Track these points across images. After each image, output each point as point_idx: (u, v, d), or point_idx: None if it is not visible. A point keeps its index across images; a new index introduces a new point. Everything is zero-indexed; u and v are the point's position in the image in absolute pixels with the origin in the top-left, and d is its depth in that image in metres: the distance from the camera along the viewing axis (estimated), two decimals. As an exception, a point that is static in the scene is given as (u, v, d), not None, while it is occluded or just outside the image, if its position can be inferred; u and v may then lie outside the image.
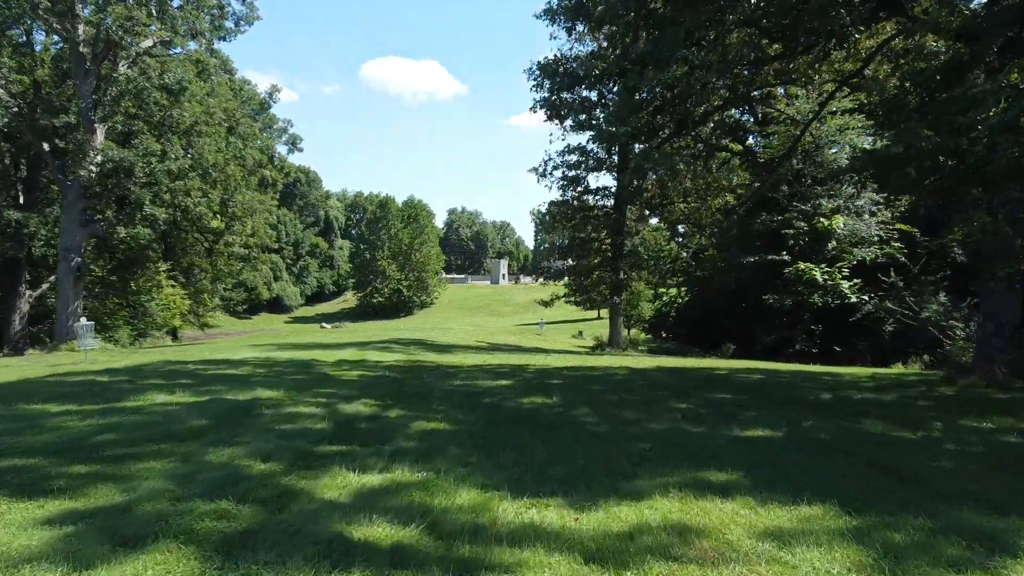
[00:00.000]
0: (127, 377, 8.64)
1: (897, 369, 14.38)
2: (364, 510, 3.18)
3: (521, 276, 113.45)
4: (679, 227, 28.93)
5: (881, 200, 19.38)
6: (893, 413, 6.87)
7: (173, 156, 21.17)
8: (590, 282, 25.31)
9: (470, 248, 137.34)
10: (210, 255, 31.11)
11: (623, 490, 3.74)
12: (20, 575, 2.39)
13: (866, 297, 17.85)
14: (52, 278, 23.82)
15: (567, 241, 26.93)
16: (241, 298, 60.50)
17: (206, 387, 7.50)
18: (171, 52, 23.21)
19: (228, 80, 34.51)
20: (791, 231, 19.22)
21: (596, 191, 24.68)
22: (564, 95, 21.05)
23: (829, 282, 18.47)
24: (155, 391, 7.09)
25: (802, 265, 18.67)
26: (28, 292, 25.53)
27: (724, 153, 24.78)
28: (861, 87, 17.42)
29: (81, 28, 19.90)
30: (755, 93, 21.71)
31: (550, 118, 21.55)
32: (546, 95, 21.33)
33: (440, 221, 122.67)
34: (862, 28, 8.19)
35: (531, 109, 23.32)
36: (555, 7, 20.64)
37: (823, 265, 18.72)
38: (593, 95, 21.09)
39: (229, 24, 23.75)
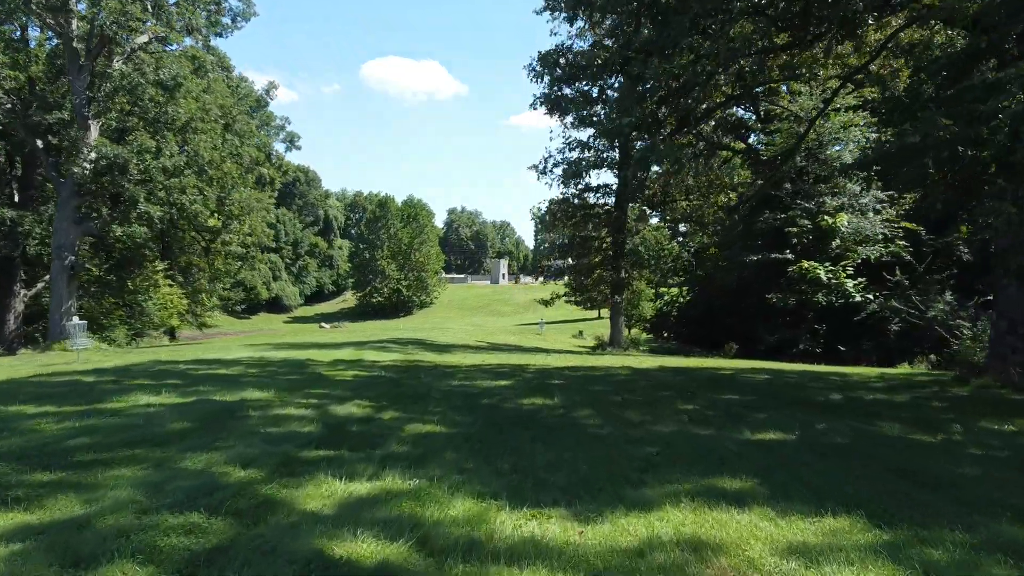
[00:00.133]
0: (113, 377, 8.36)
1: (904, 369, 14.10)
2: (349, 523, 2.91)
3: (521, 276, 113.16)
4: (680, 226, 28.68)
5: (886, 198, 19.11)
6: (908, 415, 6.61)
7: (168, 153, 20.89)
8: (591, 281, 25.02)
9: (470, 248, 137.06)
10: (207, 254, 30.81)
11: (630, 499, 3.47)
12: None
13: (871, 296, 17.59)
14: (47, 277, 23.53)
15: (567, 239, 26.64)
16: (240, 298, 60.18)
17: (194, 388, 7.23)
18: (167, 48, 22.93)
19: (225, 77, 34.22)
20: (794, 229, 18.95)
21: (597, 189, 24.40)
22: (565, 90, 20.76)
23: (833, 281, 18.21)
24: (140, 392, 6.82)
25: (806, 263, 18.41)
26: (23, 291, 25.29)
27: (726, 152, 24.53)
28: (866, 83, 17.17)
29: (75, 23, 19.63)
30: (758, 90, 21.47)
31: (550, 112, 21.26)
32: (546, 89, 21.02)
33: (440, 221, 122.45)
34: (875, 15, 7.91)
35: (531, 106, 23.07)
36: (556, -1, 20.32)
37: (827, 263, 18.45)
38: (594, 91, 20.81)
39: (226, 20, 23.49)
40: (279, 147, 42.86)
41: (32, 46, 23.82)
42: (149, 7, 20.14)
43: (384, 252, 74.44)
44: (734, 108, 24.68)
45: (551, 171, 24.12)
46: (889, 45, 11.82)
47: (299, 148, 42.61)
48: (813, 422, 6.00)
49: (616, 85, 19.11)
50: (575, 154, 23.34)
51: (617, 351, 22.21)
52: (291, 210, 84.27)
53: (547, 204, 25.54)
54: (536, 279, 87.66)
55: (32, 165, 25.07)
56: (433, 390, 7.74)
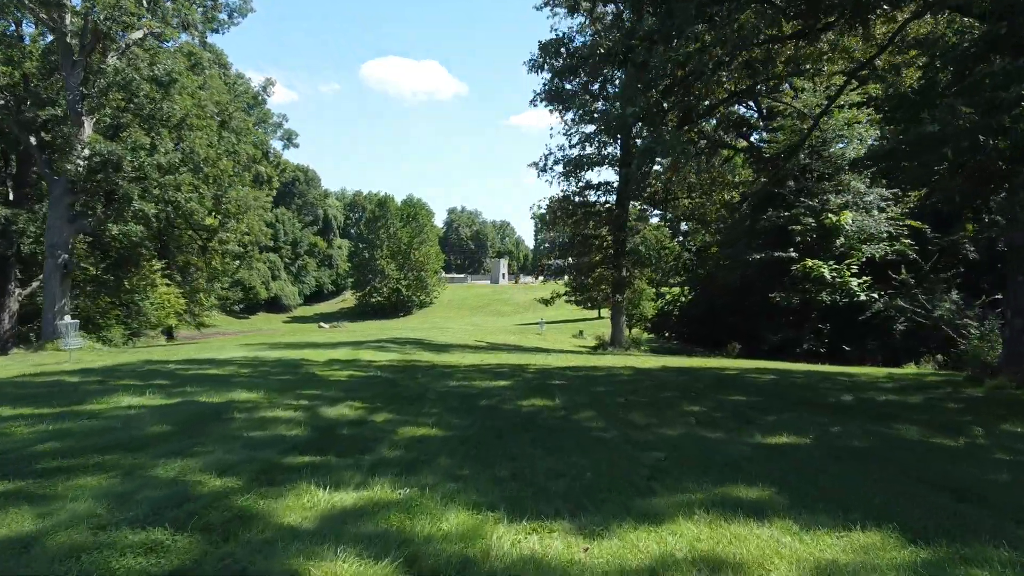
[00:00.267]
0: (99, 378, 8.09)
1: (911, 369, 13.84)
2: (330, 539, 2.63)
3: (521, 275, 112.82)
4: (682, 225, 28.41)
5: (891, 195, 18.85)
6: (924, 417, 6.34)
7: (163, 150, 20.59)
8: (592, 280, 24.73)
9: (470, 248, 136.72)
10: (204, 253, 30.51)
11: (639, 510, 3.19)
12: None
13: (876, 295, 17.33)
14: (42, 276, 23.24)
15: (568, 238, 26.36)
16: (238, 297, 59.95)
17: (180, 388, 6.95)
18: (163, 45, 22.66)
19: (222, 74, 33.91)
20: (798, 227, 18.70)
21: (598, 186, 24.11)
22: (565, 85, 20.47)
23: (837, 279, 17.95)
24: (124, 393, 6.54)
25: (810, 262, 18.15)
26: (18, 290, 24.97)
27: (727, 151, 24.25)
28: (871, 79, 16.88)
29: (69, 18, 19.35)
30: (760, 87, 21.18)
31: (551, 103, 20.96)
32: (547, 78, 20.69)
33: (440, 221, 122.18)
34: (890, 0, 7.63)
35: (531, 102, 22.95)
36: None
37: (831, 262, 18.19)
38: (595, 87, 20.54)
39: (222, 16, 23.23)
40: (277, 145, 42.58)
41: (26, 43, 23.56)
42: (144, 2, 19.88)
43: (383, 252, 74.09)
44: (736, 106, 24.44)
45: (551, 168, 23.88)
46: (895, 40, 11.56)
47: (297, 146, 42.55)
48: (826, 424, 5.73)
49: (618, 81, 18.85)
50: (576, 151, 23.08)
51: (618, 351, 21.94)
52: (290, 209, 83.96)
53: (547, 202, 25.27)
54: (536, 279, 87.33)
55: (27, 162, 24.75)
56: (430, 391, 7.48)
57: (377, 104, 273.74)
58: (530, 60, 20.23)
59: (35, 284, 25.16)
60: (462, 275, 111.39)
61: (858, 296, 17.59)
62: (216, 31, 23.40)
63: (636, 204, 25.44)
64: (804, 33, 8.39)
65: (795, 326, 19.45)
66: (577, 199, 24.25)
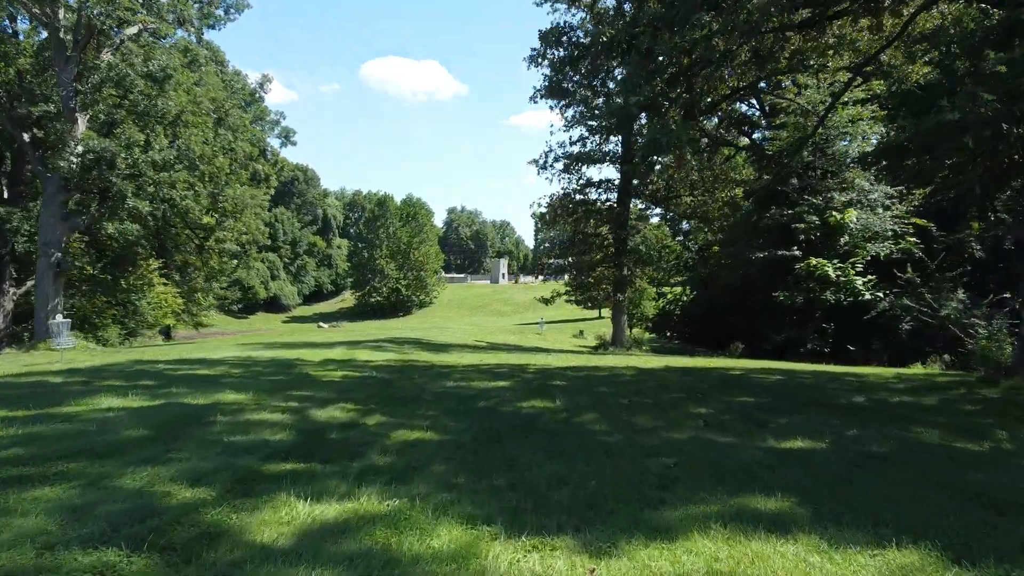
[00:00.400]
0: (84, 378, 7.81)
1: (919, 369, 13.58)
2: (307, 559, 2.36)
3: (521, 275, 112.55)
4: (683, 224, 28.14)
5: (895, 193, 18.59)
6: (942, 419, 6.06)
7: (158, 147, 20.32)
8: (592, 279, 24.44)
9: (470, 247, 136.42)
10: (201, 252, 30.23)
11: (649, 523, 2.92)
12: None
13: (881, 294, 17.06)
14: (37, 275, 22.95)
15: (568, 237, 26.07)
16: (237, 297, 59.70)
17: (166, 389, 6.68)
18: (160, 41, 22.39)
19: (219, 71, 33.60)
20: (802, 225, 18.42)
21: (599, 184, 23.82)
22: (565, 83, 20.19)
23: (842, 278, 17.69)
24: (107, 394, 6.27)
25: (814, 261, 17.88)
26: (12, 289, 24.70)
27: (728, 149, 23.97)
28: (876, 75, 16.60)
29: (62, 13, 19.08)
30: (763, 83, 20.92)
31: (550, 96, 20.67)
32: (547, 72, 20.38)
33: (440, 220, 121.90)
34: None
35: (531, 99, 22.58)
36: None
37: (835, 260, 17.93)
38: (595, 82, 20.26)
39: (219, 12, 22.95)
40: (274, 142, 42.18)
41: (20, 39, 23.29)
42: (139, -3, 19.60)
43: (383, 251, 73.79)
44: (738, 104, 24.18)
45: (552, 165, 23.59)
46: (902, 34, 11.29)
47: (294, 144, 41.95)
48: (841, 427, 5.46)
49: (618, 76, 18.57)
50: (576, 148, 22.79)
51: (620, 351, 21.66)
52: (289, 209, 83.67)
53: (547, 200, 24.97)
54: (536, 278, 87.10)
55: (21, 160, 24.48)
56: (426, 392, 7.20)
57: (377, 104, 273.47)
58: (530, 55, 19.95)
59: (30, 283, 24.86)
60: (462, 275, 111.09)
61: (863, 295, 17.32)
62: (212, 27, 23.13)
63: (637, 202, 25.16)
64: (814, 21, 8.12)
65: (799, 325, 19.17)
66: (578, 197, 23.96)
